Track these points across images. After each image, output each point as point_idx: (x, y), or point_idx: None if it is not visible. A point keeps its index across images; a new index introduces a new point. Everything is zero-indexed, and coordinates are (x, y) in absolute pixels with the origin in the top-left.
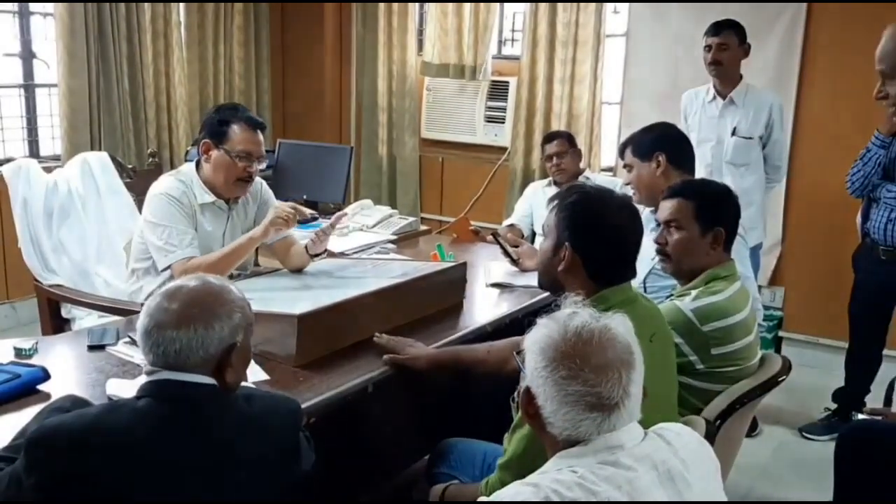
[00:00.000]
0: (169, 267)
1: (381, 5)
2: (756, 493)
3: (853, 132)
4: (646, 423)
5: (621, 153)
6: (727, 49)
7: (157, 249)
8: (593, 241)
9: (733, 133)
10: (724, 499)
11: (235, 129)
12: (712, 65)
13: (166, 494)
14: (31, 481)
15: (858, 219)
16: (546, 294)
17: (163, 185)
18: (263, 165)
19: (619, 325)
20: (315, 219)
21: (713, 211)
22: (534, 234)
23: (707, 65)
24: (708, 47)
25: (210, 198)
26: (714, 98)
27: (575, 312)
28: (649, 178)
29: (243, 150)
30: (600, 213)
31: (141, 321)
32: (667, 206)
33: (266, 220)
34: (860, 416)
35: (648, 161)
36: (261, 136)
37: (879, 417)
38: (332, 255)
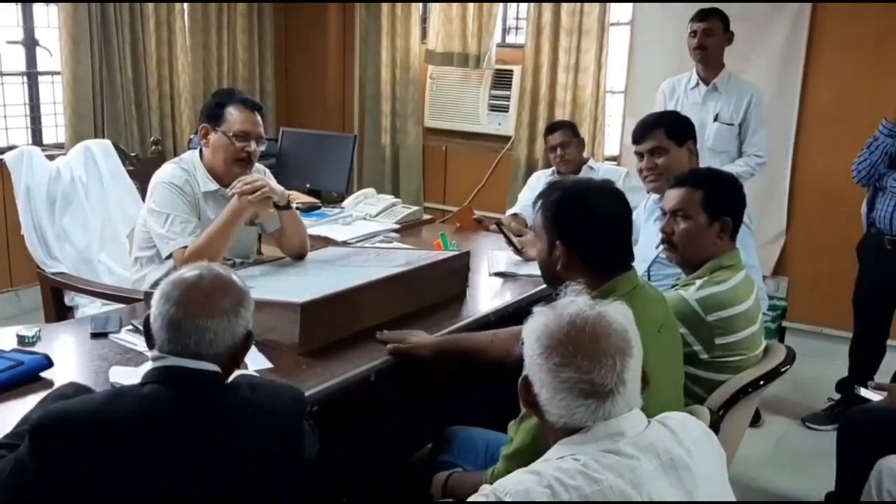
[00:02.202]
0: (171, 256)
1: None
2: (759, 482)
3: (859, 121)
4: (652, 413)
5: (644, 135)
6: (713, 35)
7: (159, 238)
8: (584, 235)
9: (715, 119)
10: (729, 488)
11: (231, 111)
12: (697, 49)
13: (170, 482)
14: (34, 467)
15: (864, 208)
16: None
17: (166, 174)
18: (263, 147)
19: (618, 313)
20: (318, 207)
21: (720, 200)
22: None
23: (692, 50)
24: (693, 33)
25: (213, 186)
26: (697, 84)
27: (572, 301)
28: (685, 166)
29: (240, 131)
30: (585, 206)
31: (164, 310)
32: (673, 195)
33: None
34: (864, 392)
35: (684, 146)
36: (258, 117)
37: (884, 394)
38: (335, 244)
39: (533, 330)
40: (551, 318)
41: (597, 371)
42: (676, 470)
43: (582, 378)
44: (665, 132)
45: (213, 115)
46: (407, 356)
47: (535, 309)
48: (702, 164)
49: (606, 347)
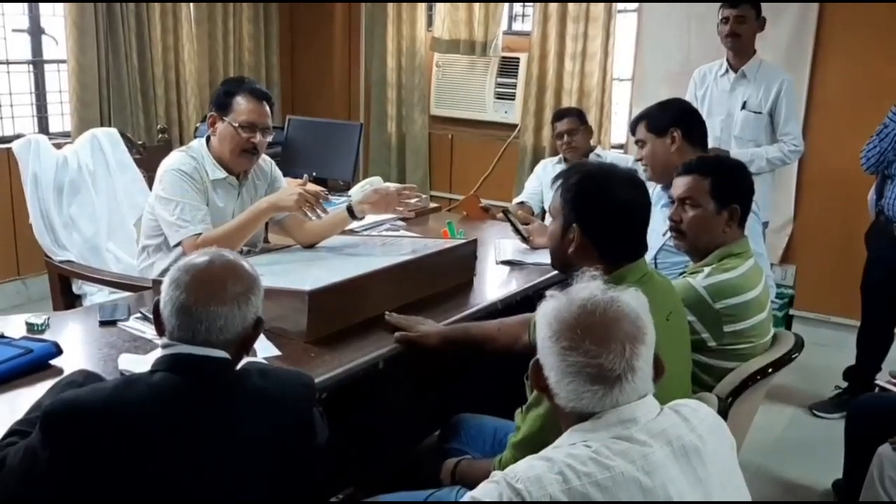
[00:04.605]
0: (179, 244)
1: None
2: (766, 470)
3: (867, 109)
4: (660, 401)
5: (633, 128)
6: (745, 21)
7: (168, 225)
8: (601, 220)
9: (743, 107)
10: (740, 476)
11: (239, 100)
12: (729, 37)
13: (181, 469)
14: (46, 454)
15: (872, 196)
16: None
17: (174, 161)
18: (269, 138)
19: (631, 299)
20: (326, 197)
21: (729, 188)
22: (544, 212)
23: (723, 37)
24: (725, 19)
25: (221, 174)
26: (727, 72)
27: (586, 286)
28: (664, 155)
29: (246, 121)
30: (605, 191)
31: (174, 296)
32: (682, 183)
33: (293, 196)
34: (885, 383)
35: (663, 137)
36: (266, 108)
37: None
38: (341, 232)
39: (545, 313)
40: (563, 302)
41: (605, 356)
42: (688, 457)
43: (589, 362)
44: (645, 124)
45: (221, 103)
46: (415, 345)
47: (549, 293)
48: (731, 153)
49: (616, 333)
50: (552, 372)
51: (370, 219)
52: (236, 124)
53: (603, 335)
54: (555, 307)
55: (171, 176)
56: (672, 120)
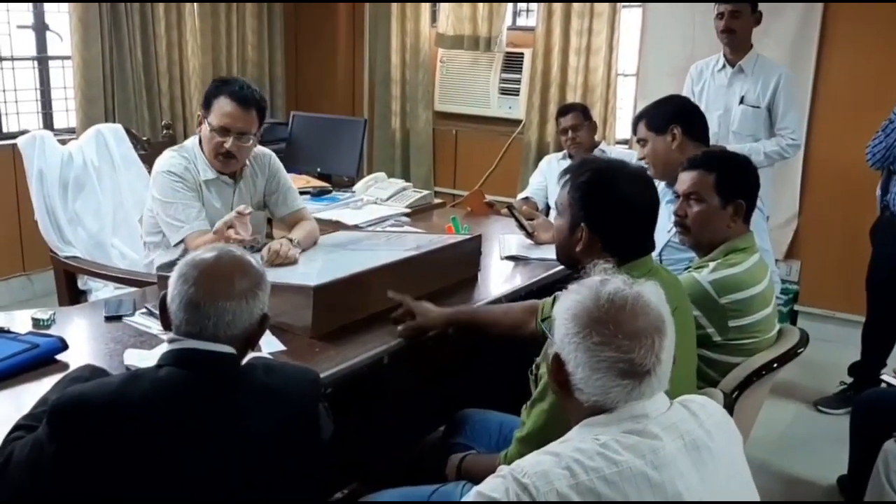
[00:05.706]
0: (182, 242)
1: None
2: (771, 466)
3: (872, 105)
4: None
5: (634, 128)
6: (740, 17)
7: (167, 226)
8: (610, 220)
9: (741, 102)
10: (747, 470)
11: (220, 102)
12: (724, 32)
13: (186, 464)
14: (52, 449)
15: (878, 191)
16: (561, 266)
17: (164, 163)
18: (248, 144)
19: (652, 292)
20: (329, 191)
21: (734, 182)
22: (548, 207)
23: (719, 33)
24: (720, 15)
25: (213, 173)
26: (724, 67)
27: (606, 279)
28: (665, 152)
29: (218, 125)
30: (614, 190)
31: (182, 291)
32: (686, 178)
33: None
34: (890, 379)
35: (663, 134)
36: (248, 113)
37: None
38: (346, 228)
39: (567, 308)
40: (588, 297)
41: (637, 350)
42: (699, 451)
43: (622, 357)
44: (645, 122)
45: (206, 102)
46: (419, 329)
47: (570, 286)
48: (728, 148)
49: (646, 327)
50: (580, 368)
51: (374, 214)
52: (211, 127)
53: (634, 329)
54: (579, 301)
55: (162, 178)
56: (671, 117)
